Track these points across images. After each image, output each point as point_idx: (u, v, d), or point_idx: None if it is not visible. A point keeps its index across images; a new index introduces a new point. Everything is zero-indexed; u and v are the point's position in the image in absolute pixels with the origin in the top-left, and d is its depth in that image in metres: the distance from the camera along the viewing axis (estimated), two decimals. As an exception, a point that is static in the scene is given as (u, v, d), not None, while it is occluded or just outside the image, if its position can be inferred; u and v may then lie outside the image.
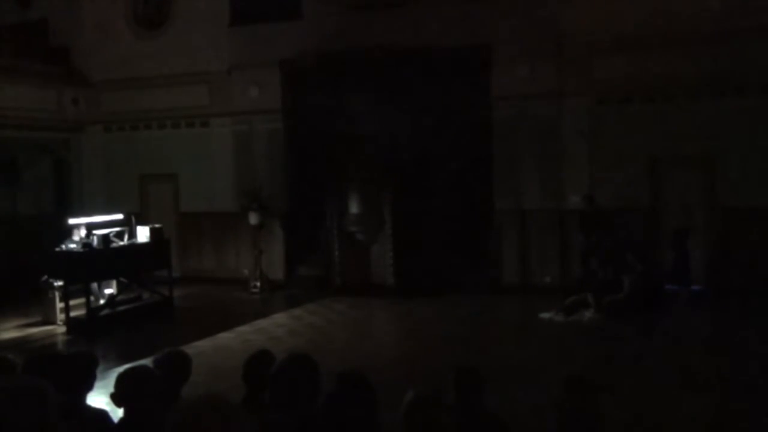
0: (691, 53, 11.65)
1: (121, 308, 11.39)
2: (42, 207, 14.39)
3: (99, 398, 4.36)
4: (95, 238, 10.71)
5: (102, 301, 11.21)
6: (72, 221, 11.31)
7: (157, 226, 11.88)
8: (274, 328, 10.71)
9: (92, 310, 10.80)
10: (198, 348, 9.03)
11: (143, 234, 11.55)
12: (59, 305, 10.95)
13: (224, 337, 10.16)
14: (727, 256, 11.58)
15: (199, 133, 14.83)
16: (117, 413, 3.52)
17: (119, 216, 11.87)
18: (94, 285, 11.11)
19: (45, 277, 11.12)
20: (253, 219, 13.51)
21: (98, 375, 3.92)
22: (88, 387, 3.75)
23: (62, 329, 10.74)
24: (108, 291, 11.45)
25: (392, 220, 12.84)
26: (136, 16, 15.24)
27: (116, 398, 3.36)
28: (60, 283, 10.81)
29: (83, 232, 11.11)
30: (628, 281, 10.89)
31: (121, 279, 11.59)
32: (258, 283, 13.50)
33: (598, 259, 11.64)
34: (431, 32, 12.63)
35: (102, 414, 3.61)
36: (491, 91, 12.73)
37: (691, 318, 10.59)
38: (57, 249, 10.80)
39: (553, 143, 12.57)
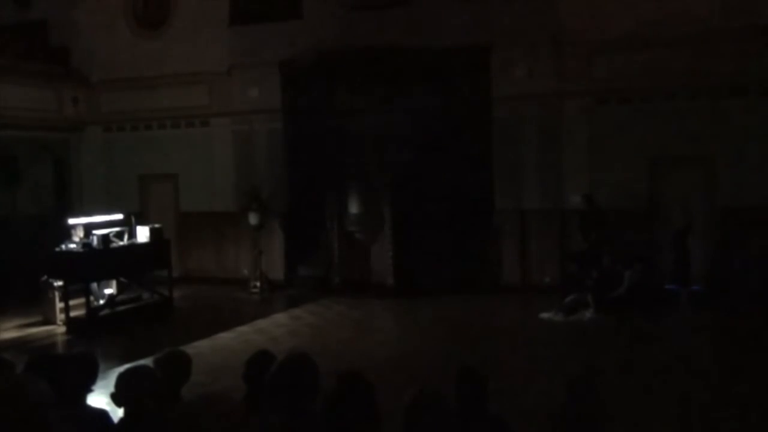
0: (691, 53, 11.65)
1: (121, 308, 11.40)
2: (42, 207, 14.38)
3: (99, 398, 4.36)
4: (95, 238, 10.71)
5: (102, 301, 11.21)
6: (72, 221, 11.32)
7: (157, 226, 11.89)
8: (274, 328, 10.71)
9: (92, 310, 10.80)
10: (198, 348, 9.03)
11: (143, 234, 11.55)
12: (59, 305, 10.95)
13: (224, 337, 10.16)
14: (727, 256, 11.57)
15: (199, 133, 14.83)
16: (117, 413, 3.52)
17: (119, 216, 11.87)
18: (94, 285, 11.11)
19: (45, 277, 11.12)
20: (253, 219, 13.52)
21: (98, 375, 3.91)
22: (88, 387, 3.75)
23: (62, 329, 10.74)
24: (108, 291, 11.45)
25: (392, 220, 12.84)
26: (136, 16, 15.24)
27: (116, 398, 3.36)
28: (60, 283, 10.81)
29: (81, 232, 11.11)
30: (628, 276, 10.90)
31: (121, 279, 11.59)
32: (258, 283, 13.50)
33: (595, 258, 11.62)
34: (431, 32, 12.62)
35: (102, 414, 3.60)
36: (491, 91, 12.72)
37: (690, 318, 10.59)
38: (57, 249, 10.81)
39: (553, 143, 12.57)
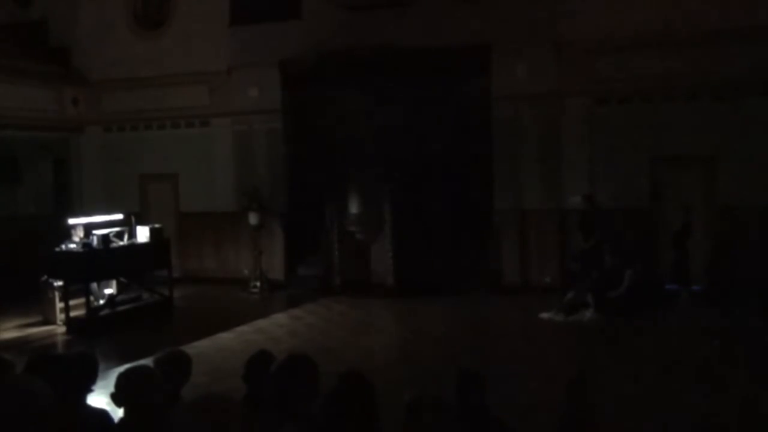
0: (691, 53, 11.66)
1: (121, 308, 11.40)
2: (42, 207, 14.39)
3: (99, 398, 4.36)
4: (95, 238, 10.71)
5: (102, 301, 11.21)
6: (72, 221, 11.32)
7: (157, 226, 11.89)
8: (274, 328, 10.71)
9: (92, 310, 10.81)
10: (198, 348, 9.03)
11: (143, 234, 11.55)
12: (59, 305, 10.95)
13: (224, 337, 10.16)
14: (727, 256, 11.57)
15: (199, 133, 14.83)
16: (117, 413, 3.52)
17: (119, 216, 11.87)
18: (94, 285, 11.11)
19: (45, 277, 11.12)
20: (253, 219, 13.52)
21: (98, 375, 3.91)
22: (88, 387, 3.75)
23: (62, 329, 10.74)
24: (108, 291, 11.45)
25: (392, 220, 12.84)
26: (136, 16, 15.25)
27: (116, 398, 3.35)
28: (60, 283, 10.81)
29: (81, 232, 11.11)
30: (628, 276, 10.90)
31: (121, 279, 11.59)
32: (258, 283, 13.51)
33: (596, 258, 11.62)
34: (431, 32, 12.62)
35: (102, 414, 3.60)
36: (491, 91, 12.72)
37: (690, 318, 10.59)
38: (57, 249, 10.81)
39: (553, 143, 12.57)
